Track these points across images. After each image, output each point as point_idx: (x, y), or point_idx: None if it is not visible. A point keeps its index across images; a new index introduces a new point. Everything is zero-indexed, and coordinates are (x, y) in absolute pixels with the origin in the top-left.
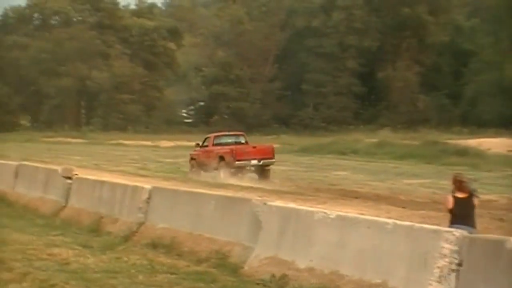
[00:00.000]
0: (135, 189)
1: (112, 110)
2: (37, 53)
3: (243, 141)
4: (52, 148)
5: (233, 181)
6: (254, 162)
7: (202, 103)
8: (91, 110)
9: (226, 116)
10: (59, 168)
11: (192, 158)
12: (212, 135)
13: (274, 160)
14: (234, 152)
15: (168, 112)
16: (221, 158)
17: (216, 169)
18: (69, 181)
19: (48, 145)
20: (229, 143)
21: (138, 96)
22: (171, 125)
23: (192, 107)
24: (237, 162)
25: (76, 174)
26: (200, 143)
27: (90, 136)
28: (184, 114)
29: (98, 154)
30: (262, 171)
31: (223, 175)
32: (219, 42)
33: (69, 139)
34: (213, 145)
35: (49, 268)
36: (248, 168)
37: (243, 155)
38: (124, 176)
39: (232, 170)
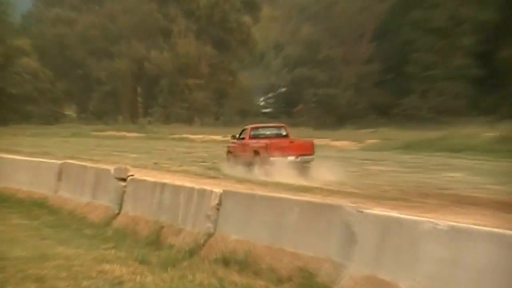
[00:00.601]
0: (203, 193)
1: (174, 98)
2: (85, 29)
3: (284, 134)
4: (103, 144)
5: (270, 177)
6: (291, 158)
7: (283, 90)
8: (150, 98)
9: (312, 105)
10: (111, 168)
11: (229, 151)
12: (249, 126)
13: (313, 156)
14: (268, 146)
15: (243, 100)
16: (256, 152)
17: (251, 164)
18: (123, 183)
19: (98, 140)
20: (267, 136)
21: (206, 81)
22: (245, 116)
23: (271, 95)
24: (271, 158)
25: (132, 175)
26: (237, 135)
27: (148, 129)
28: (262, 103)
29: (158, 151)
30: (302, 169)
31: (258, 171)
32: (304, 16)
33: (124, 133)
34: (250, 137)
35: None
36: (284, 164)
37: (278, 150)
38: (189, 178)
39: (267, 166)
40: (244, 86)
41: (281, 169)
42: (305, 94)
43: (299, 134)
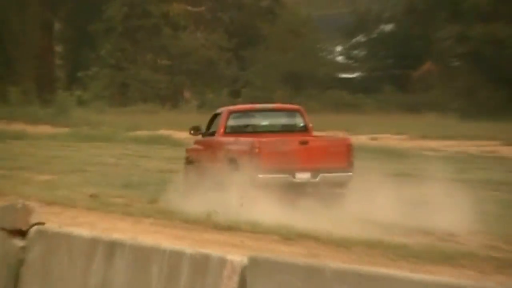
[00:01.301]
0: (204, 262)
1: (136, 46)
2: None
3: (297, 125)
4: None
5: (262, 215)
6: (303, 175)
7: (389, 27)
8: (80, 54)
9: (455, 64)
10: None
11: (188, 160)
12: (226, 109)
13: (350, 173)
14: (255, 150)
15: (298, 52)
16: (232, 161)
17: (223, 188)
18: (19, 241)
19: None
20: (260, 130)
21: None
22: (300, 85)
23: (361, 39)
24: (260, 175)
25: (40, 223)
26: (201, 127)
27: (78, 118)
28: (339, 58)
29: (100, 167)
30: (326, 196)
31: (238, 200)
32: None
33: (25, 126)
34: (225, 133)
35: None
36: (288, 187)
37: (278, 158)
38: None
39: (254, 190)
40: (295, 18)
41: (278, 199)
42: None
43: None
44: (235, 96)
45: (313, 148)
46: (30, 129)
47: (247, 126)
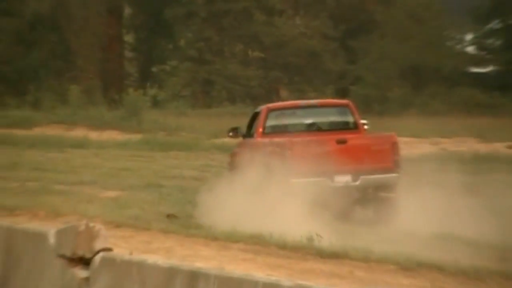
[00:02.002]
0: None
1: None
2: None
3: (350, 122)
4: (24, 161)
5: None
6: (342, 178)
7: None
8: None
9: None
10: (49, 231)
11: (231, 164)
12: (265, 107)
13: (395, 175)
14: (288, 150)
15: None
16: (267, 166)
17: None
18: (80, 271)
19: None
20: (303, 129)
21: None
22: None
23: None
24: (294, 180)
25: (107, 249)
26: (241, 128)
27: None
28: (469, 48)
29: (177, 181)
30: (375, 203)
31: (271, 206)
32: None
33: (87, 131)
34: (264, 133)
35: None
36: (330, 191)
37: (313, 159)
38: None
39: (289, 194)
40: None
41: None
42: None
43: None
44: (342, 94)
45: (352, 147)
46: (94, 135)
47: (288, 125)
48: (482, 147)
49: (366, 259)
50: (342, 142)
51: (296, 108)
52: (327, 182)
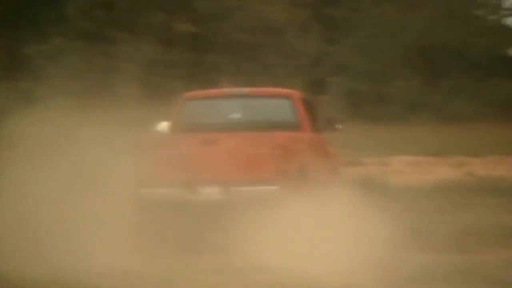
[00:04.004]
0: None
1: None
2: None
3: (289, 117)
4: None
5: None
6: (208, 190)
7: None
8: None
9: None
10: None
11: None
12: (185, 95)
13: (276, 187)
14: (140, 149)
15: None
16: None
17: None
18: None
19: None
20: (222, 127)
21: None
22: None
23: None
24: (143, 189)
25: None
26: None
27: None
28: None
29: None
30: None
31: None
32: None
33: None
34: (174, 129)
35: None
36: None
37: (170, 164)
38: None
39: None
40: None
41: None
42: None
43: None
44: (318, 89)
45: (223, 150)
46: None
47: (207, 119)
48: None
49: None
50: (209, 142)
51: (222, 98)
52: (187, 194)
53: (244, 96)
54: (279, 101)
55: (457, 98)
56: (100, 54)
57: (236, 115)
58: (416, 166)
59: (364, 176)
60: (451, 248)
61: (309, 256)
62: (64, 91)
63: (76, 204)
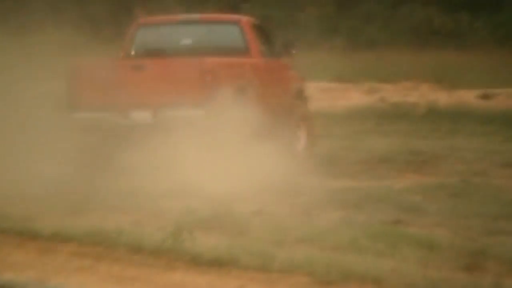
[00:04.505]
0: None
1: None
2: None
3: (238, 43)
4: None
5: None
6: (139, 114)
7: None
8: None
9: None
10: None
11: None
12: (135, 22)
13: (202, 111)
14: (73, 74)
15: None
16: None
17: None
18: None
19: None
20: (172, 52)
21: None
22: None
23: None
24: (75, 115)
25: None
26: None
27: None
28: None
29: None
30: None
31: None
32: None
33: None
34: (126, 55)
35: None
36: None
37: (101, 89)
38: None
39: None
40: None
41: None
42: None
43: None
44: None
45: (151, 75)
46: None
47: (160, 45)
48: (441, 97)
49: (267, 268)
50: (139, 67)
51: (174, 24)
52: (119, 119)
53: (195, 22)
54: (228, 27)
55: (370, 24)
56: None
57: (186, 41)
58: (329, 93)
59: None
60: (363, 174)
61: (222, 182)
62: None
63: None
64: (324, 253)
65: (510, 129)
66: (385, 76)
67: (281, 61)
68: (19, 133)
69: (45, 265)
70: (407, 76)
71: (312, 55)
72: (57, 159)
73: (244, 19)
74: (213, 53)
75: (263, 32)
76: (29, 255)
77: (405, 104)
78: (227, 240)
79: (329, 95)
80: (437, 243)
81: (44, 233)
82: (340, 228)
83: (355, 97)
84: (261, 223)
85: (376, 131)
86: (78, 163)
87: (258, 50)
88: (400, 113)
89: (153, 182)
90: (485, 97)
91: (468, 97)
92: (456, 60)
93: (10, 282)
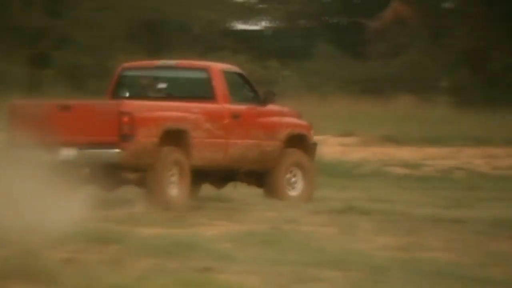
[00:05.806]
0: None
1: None
2: None
3: (206, 88)
4: None
5: None
6: (68, 152)
7: None
8: None
9: None
10: None
11: None
12: (120, 66)
13: (117, 151)
14: (12, 113)
15: None
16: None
17: None
18: None
19: None
20: (152, 94)
21: None
22: None
23: None
24: (15, 150)
25: None
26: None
27: None
28: None
29: None
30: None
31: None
32: None
33: None
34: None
35: None
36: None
37: (37, 127)
38: None
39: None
40: None
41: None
42: None
43: None
44: (40, 63)
45: (77, 116)
46: None
47: (140, 89)
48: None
49: None
50: (66, 108)
51: (154, 69)
52: (51, 155)
53: (171, 68)
54: (198, 73)
55: None
56: None
57: (161, 86)
58: None
59: None
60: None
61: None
62: None
63: None
64: None
65: None
66: None
67: (269, 107)
68: None
69: None
70: None
71: None
72: None
73: (215, 66)
74: (180, 98)
75: (241, 79)
76: None
77: None
78: None
79: None
80: None
81: None
82: (152, 276)
83: None
84: (72, 272)
85: None
86: None
87: (224, 96)
88: None
89: None
90: None
91: None
92: None
93: None
